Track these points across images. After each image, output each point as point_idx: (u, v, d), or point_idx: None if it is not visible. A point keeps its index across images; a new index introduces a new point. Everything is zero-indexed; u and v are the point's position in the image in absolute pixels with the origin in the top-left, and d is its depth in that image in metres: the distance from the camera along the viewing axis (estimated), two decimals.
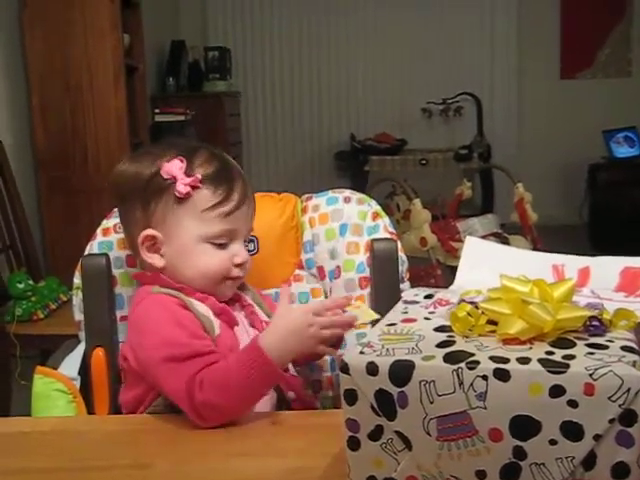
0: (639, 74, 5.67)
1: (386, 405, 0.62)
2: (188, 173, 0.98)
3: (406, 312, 0.77)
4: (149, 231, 1.01)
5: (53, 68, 3.21)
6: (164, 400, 0.96)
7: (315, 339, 0.94)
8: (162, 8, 5.06)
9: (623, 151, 5.13)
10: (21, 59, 3.24)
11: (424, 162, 5.15)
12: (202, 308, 0.99)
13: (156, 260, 1.02)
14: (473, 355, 0.61)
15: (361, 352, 0.64)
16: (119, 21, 3.29)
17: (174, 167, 0.98)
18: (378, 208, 1.23)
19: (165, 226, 1.00)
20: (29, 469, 0.84)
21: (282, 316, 0.96)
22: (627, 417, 0.57)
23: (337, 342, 1.02)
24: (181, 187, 0.98)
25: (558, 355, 0.61)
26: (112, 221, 1.14)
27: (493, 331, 0.66)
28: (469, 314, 0.67)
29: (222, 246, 1.01)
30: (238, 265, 1.02)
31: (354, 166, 5.32)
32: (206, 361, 0.91)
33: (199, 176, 0.98)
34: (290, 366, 1.06)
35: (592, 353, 0.61)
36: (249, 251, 1.18)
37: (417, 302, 0.80)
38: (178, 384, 0.90)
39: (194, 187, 0.98)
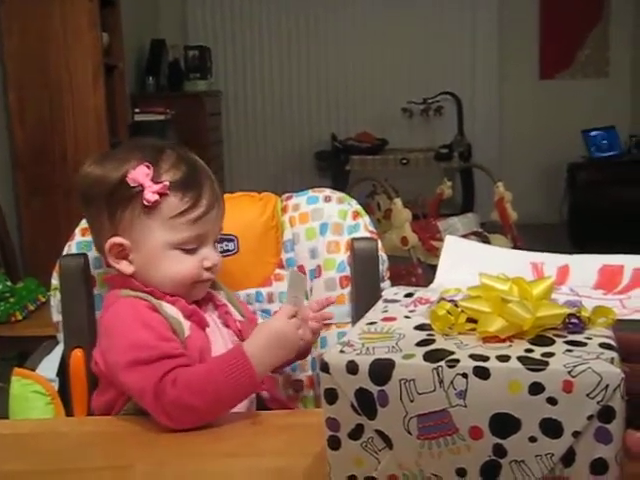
0: (617, 74, 5.73)
1: (366, 404, 0.62)
2: (155, 180, 0.97)
3: (386, 311, 0.76)
4: (116, 239, 1.00)
5: (31, 66, 3.18)
6: (134, 405, 0.94)
7: (302, 340, 0.95)
8: (142, 7, 5.03)
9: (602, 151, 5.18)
10: None
11: (405, 161, 5.16)
12: (172, 310, 0.98)
13: (124, 266, 1.01)
14: (453, 353, 0.62)
15: (341, 351, 0.64)
16: (98, 19, 3.27)
17: (140, 174, 0.96)
18: (358, 207, 1.23)
19: (133, 233, 0.99)
20: (7, 472, 0.82)
21: (266, 324, 0.96)
22: (605, 414, 0.57)
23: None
24: (149, 195, 0.96)
25: (537, 353, 0.61)
26: None
27: (473, 329, 0.66)
28: (449, 312, 0.68)
29: (191, 251, 1.00)
30: (208, 268, 1.01)
31: (335, 165, 5.33)
32: (177, 362, 0.90)
33: (167, 183, 0.97)
34: None
35: (571, 350, 0.61)
36: (228, 250, 1.18)
37: (397, 301, 0.80)
38: (145, 385, 0.89)
39: (162, 194, 0.97)
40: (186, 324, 0.99)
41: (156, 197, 0.96)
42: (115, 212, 0.99)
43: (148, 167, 0.97)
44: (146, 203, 0.96)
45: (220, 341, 1.02)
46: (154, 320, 0.95)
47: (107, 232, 1.00)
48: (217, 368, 0.90)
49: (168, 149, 1.02)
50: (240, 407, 0.96)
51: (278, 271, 1.21)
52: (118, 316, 0.97)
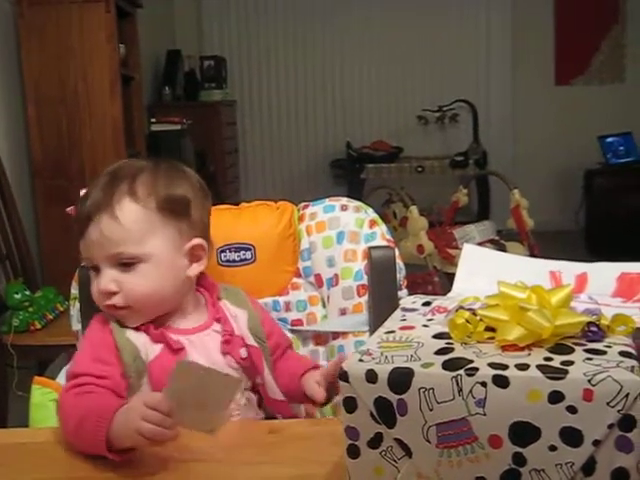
0: (633, 80, 5.70)
1: (385, 413, 0.62)
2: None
3: (404, 319, 0.77)
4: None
5: (49, 78, 3.21)
6: None
7: (137, 434, 0.80)
8: (158, 18, 5.07)
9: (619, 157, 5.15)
10: (17, 69, 3.24)
11: (420, 169, 5.16)
12: (136, 335, 0.98)
13: None
14: (472, 362, 0.61)
15: (360, 360, 0.64)
16: (115, 31, 3.30)
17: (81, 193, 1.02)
18: (375, 216, 1.23)
19: None
20: None
21: (128, 402, 0.87)
22: (626, 422, 0.57)
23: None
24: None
25: (557, 361, 0.61)
26: None
27: (491, 338, 0.66)
28: (467, 321, 0.68)
29: (95, 274, 0.99)
30: (106, 294, 0.97)
31: (350, 174, 5.33)
32: (93, 382, 0.91)
33: (72, 207, 1.02)
34: (276, 390, 1.04)
35: (590, 359, 0.61)
36: (245, 259, 1.18)
37: (415, 309, 0.80)
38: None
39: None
40: (154, 348, 0.97)
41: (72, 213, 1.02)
42: None
43: (80, 194, 1.02)
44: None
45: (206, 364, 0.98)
46: (100, 341, 0.97)
47: None
48: (92, 411, 0.85)
49: (113, 169, 1.02)
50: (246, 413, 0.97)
51: (295, 280, 1.22)
52: (86, 332, 1.02)
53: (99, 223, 0.96)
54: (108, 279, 0.97)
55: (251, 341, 1.04)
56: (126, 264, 0.97)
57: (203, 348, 1.00)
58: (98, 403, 0.88)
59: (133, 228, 0.97)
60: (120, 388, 0.94)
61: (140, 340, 0.98)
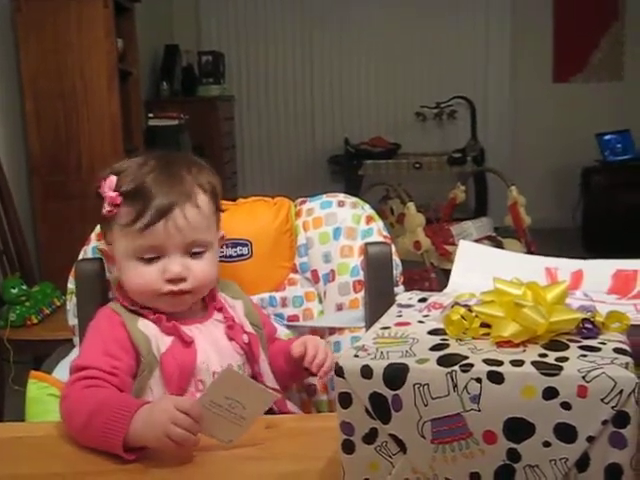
0: (631, 78, 5.70)
1: (380, 408, 0.63)
2: (117, 189, 0.99)
3: (400, 315, 0.77)
4: (100, 245, 1.08)
5: (47, 73, 3.21)
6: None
7: (166, 437, 0.82)
8: (156, 13, 5.06)
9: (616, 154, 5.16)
10: (15, 64, 3.24)
11: (418, 166, 5.16)
12: (147, 327, 0.99)
13: (115, 271, 1.06)
14: (467, 358, 0.62)
15: (355, 355, 0.65)
16: (113, 26, 3.29)
17: (106, 185, 1.00)
18: (372, 212, 1.23)
19: (109, 241, 1.05)
20: (22, 474, 0.83)
21: (160, 400, 0.89)
22: (620, 419, 0.57)
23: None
24: (105, 205, 0.99)
25: (551, 357, 0.61)
26: None
27: (487, 334, 0.66)
28: (463, 317, 0.68)
29: (151, 262, 0.99)
30: (171, 280, 0.99)
31: (348, 170, 5.33)
32: (101, 376, 0.91)
33: (113, 194, 0.98)
34: (273, 381, 1.06)
35: (585, 355, 0.61)
36: (242, 255, 1.18)
37: (411, 306, 0.81)
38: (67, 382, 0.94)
39: (116, 205, 0.99)
40: (165, 340, 0.98)
41: (110, 208, 0.99)
42: (99, 221, 1.06)
43: (112, 180, 0.99)
44: (104, 212, 1.00)
45: (214, 357, 1.00)
46: (110, 335, 0.97)
47: (103, 240, 1.08)
48: (107, 406, 0.85)
49: (153, 159, 1.03)
50: None
51: (292, 276, 1.22)
52: (92, 323, 1.02)
53: (184, 211, 0.99)
54: (180, 265, 0.99)
55: (249, 328, 1.06)
56: (195, 252, 1.01)
57: (211, 336, 1.02)
58: (113, 398, 0.88)
59: (208, 217, 1.03)
60: (126, 386, 0.94)
61: (151, 332, 0.99)
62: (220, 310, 1.06)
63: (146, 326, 0.99)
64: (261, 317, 1.12)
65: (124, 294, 1.04)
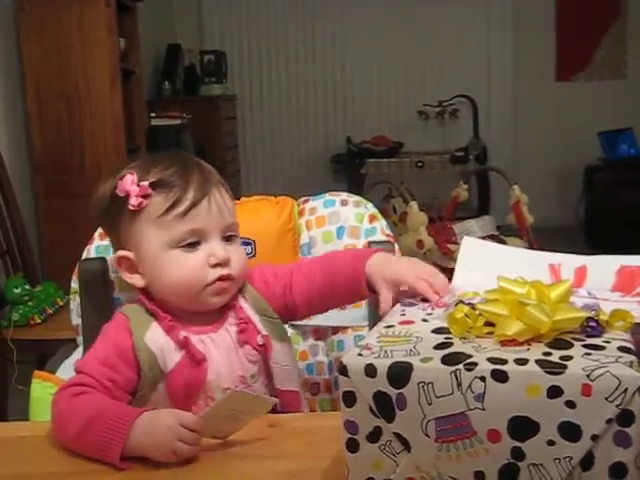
0: (634, 76, 5.69)
1: (385, 407, 0.63)
2: (139, 184, 0.95)
3: (404, 314, 0.77)
4: (120, 252, 0.99)
5: (49, 73, 3.21)
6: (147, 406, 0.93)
7: (172, 452, 0.81)
8: (158, 12, 5.06)
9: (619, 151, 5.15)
10: (17, 63, 3.24)
11: (420, 164, 5.15)
12: (157, 338, 0.94)
13: (137, 280, 0.99)
14: (471, 356, 0.62)
15: (359, 354, 0.65)
16: (115, 25, 3.29)
17: (126, 182, 0.95)
18: (375, 210, 1.23)
19: (132, 243, 0.97)
20: (26, 474, 0.83)
21: (163, 412, 0.85)
22: (624, 417, 0.57)
23: None
24: (133, 200, 0.94)
25: (555, 356, 0.61)
26: None
27: (491, 332, 0.66)
28: (467, 316, 0.68)
29: (192, 248, 0.95)
30: (216, 265, 0.95)
31: (351, 169, 5.33)
32: (92, 384, 0.89)
33: (146, 184, 0.94)
34: (286, 379, 1.01)
35: (589, 354, 0.61)
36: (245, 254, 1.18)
37: (415, 304, 0.81)
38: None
39: (146, 196, 0.94)
40: (173, 356, 0.94)
41: (140, 200, 0.94)
42: (114, 225, 0.99)
43: (132, 174, 0.96)
44: (132, 208, 0.94)
45: (226, 372, 0.96)
46: (114, 343, 0.94)
47: (116, 247, 1.01)
48: (102, 415, 0.84)
49: (166, 158, 1.00)
50: None
51: None
52: (103, 327, 0.98)
53: (221, 193, 0.98)
54: (223, 248, 0.96)
55: (262, 329, 1.00)
56: (229, 237, 0.98)
57: (224, 347, 0.97)
58: (109, 408, 0.86)
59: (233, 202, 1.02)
60: (118, 400, 0.91)
61: (158, 345, 0.94)
62: (232, 308, 1.00)
63: (155, 337, 0.94)
64: (269, 300, 1.02)
65: (146, 299, 0.98)
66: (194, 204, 0.94)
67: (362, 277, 0.94)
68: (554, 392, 0.58)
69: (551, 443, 0.59)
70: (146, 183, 0.94)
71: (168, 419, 0.82)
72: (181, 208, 0.94)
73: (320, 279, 1.00)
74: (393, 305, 0.86)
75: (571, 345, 0.63)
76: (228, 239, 0.98)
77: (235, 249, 0.98)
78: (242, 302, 1.00)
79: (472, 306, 0.69)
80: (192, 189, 0.95)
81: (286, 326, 1.18)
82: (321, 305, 1.04)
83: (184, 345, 0.94)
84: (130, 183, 0.95)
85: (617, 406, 0.57)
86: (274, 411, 0.94)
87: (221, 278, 0.95)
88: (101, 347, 0.95)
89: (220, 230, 0.97)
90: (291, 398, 1.01)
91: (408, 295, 0.83)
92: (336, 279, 0.98)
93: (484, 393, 0.59)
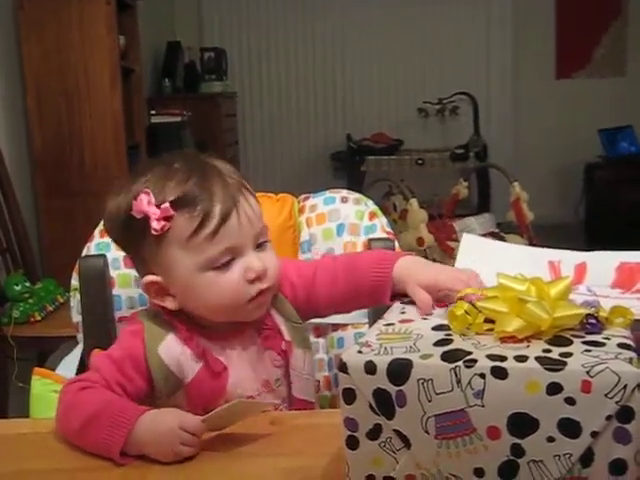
0: (634, 73, 5.69)
1: (384, 404, 0.63)
2: (159, 204, 0.87)
3: (404, 312, 0.77)
4: (148, 278, 0.92)
5: (49, 70, 3.21)
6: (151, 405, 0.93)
7: (175, 455, 0.81)
8: (158, 9, 5.06)
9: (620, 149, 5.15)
10: (17, 61, 3.24)
11: (420, 162, 5.15)
12: (173, 350, 0.91)
13: (169, 304, 0.92)
14: (471, 353, 0.62)
15: (359, 351, 0.65)
16: (115, 23, 3.29)
17: (143, 204, 0.87)
18: (375, 208, 1.23)
19: (161, 267, 0.90)
20: (27, 470, 0.83)
21: (166, 413, 0.84)
22: (624, 414, 0.57)
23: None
24: (154, 224, 0.86)
25: (555, 353, 0.61)
26: None
27: (490, 329, 0.66)
28: (467, 312, 0.68)
29: (227, 267, 0.89)
30: (255, 279, 0.90)
31: (350, 166, 5.33)
32: (98, 381, 0.88)
33: (167, 205, 0.86)
34: (303, 388, 0.99)
35: (589, 350, 0.61)
36: None
37: (415, 302, 0.81)
38: None
39: (168, 218, 0.86)
40: (192, 367, 0.91)
41: (162, 223, 0.86)
42: (138, 249, 0.92)
43: (148, 194, 0.87)
44: (154, 232, 0.87)
45: (249, 380, 0.93)
46: (127, 350, 0.91)
47: (140, 271, 0.95)
48: (105, 411, 0.83)
49: (177, 163, 0.91)
50: None
51: None
52: (121, 329, 0.97)
53: (248, 201, 0.90)
54: (258, 259, 0.90)
55: (287, 335, 0.97)
56: (262, 243, 0.92)
57: (247, 355, 0.94)
58: (112, 404, 0.85)
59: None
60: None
61: (175, 356, 0.91)
62: (260, 320, 0.95)
63: (170, 349, 0.91)
64: (293, 300, 0.98)
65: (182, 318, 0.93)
66: (223, 220, 0.87)
67: (389, 282, 0.90)
68: (554, 389, 0.58)
69: (551, 440, 0.59)
70: (167, 204, 0.86)
71: (170, 421, 0.82)
72: (210, 227, 0.87)
73: (343, 283, 0.96)
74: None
75: (571, 342, 0.63)
76: (260, 246, 0.92)
77: (269, 256, 0.93)
78: (271, 308, 0.97)
79: (472, 303, 0.69)
80: (218, 202, 0.87)
81: None
82: (344, 307, 1.01)
83: (202, 356, 0.91)
84: (147, 204, 0.86)
85: (617, 402, 0.57)
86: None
87: (261, 292, 0.91)
88: (117, 351, 0.92)
89: (253, 240, 0.91)
90: (304, 408, 0.99)
91: (449, 301, 0.78)
92: (360, 284, 0.94)
93: (484, 390, 0.59)
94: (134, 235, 0.90)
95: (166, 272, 0.90)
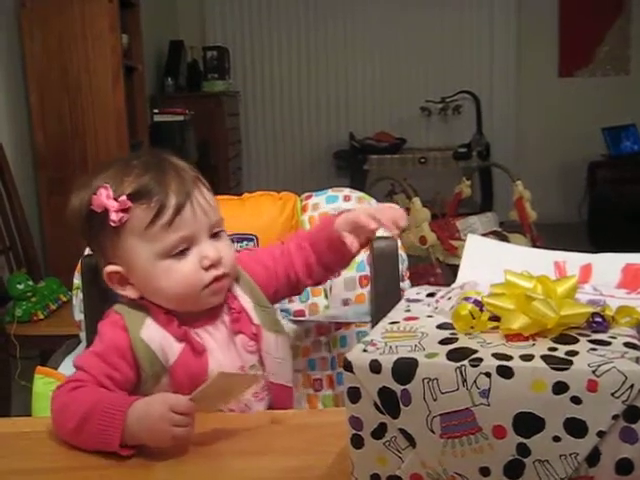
0: (638, 71, 5.68)
1: (390, 403, 0.62)
2: (117, 197, 0.92)
3: (409, 310, 0.76)
4: (109, 268, 0.96)
5: (52, 68, 3.21)
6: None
7: (171, 439, 0.83)
8: (160, 8, 5.05)
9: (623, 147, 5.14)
10: (20, 59, 3.24)
11: (423, 161, 5.15)
12: (154, 333, 0.94)
13: (130, 292, 0.97)
14: (476, 352, 0.61)
15: (364, 350, 0.64)
16: (118, 21, 3.29)
17: (102, 197, 0.92)
18: None
19: (121, 257, 0.95)
20: (29, 469, 0.83)
21: (155, 399, 0.86)
22: (631, 413, 0.57)
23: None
24: (113, 215, 0.91)
25: (561, 351, 0.60)
26: None
27: (495, 327, 0.66)
28: (471, 312, 0.67)
29: (183, 255, 0.93)
30: (211, 267, 0.94)
31: (353, 165, 5.32)
32: (88, 379, 0.89)
33: (124, 197, 0.91)
34: (279, 372, 1.00)
35: (595, 349, 0.61)
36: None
37: (420, 300, 0.80)
38: None
39: (126, 210, 0.91)
40: (174, 349, 0.93)
41: (120, 215, 0.91)
42: (98, 241, 0.97)
43: (107, 188, 0.92)
44: (113, 224, 0.92)
45: (227, 362, 0.95)
46: (110, 342, 0.93)
47: (103, 262, 0.98)
48: (97, 407, 0.85)
49: (135, 160, 0.96)
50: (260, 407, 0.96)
51: None
52: (99, 328, 0.97)
53: (202, 194, 0.96)
54: (213, 248, 0.94)
55: (256, 319, 0.99)
56: (217, 233, 0.97)
57: (222, 339, 0.97)
58: (103, 399, 0.86)
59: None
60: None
61: (156, 340, 0.93)
62: (226, 299, 0.99)
63: (151, 332, 0.94)
64: (269, 283, 1.03)
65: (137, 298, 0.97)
66: (178, 210, 0.92)
67: (335, 235, 0.99)
68: (560, 388, 0.58)
69: (557, 439, 0.58)
70: (124, 197, 0.91)
71: (159, 407, 0.83)
72: (166, 217, 0.92)
73: (310, 250, 1.03)
74: (361, 248, 0.99)
75: (577, 340, 0.63)
76: (215, 236, 0.96)
77: (224, 245, 0.97)
78: (237, 290, 1.00)
79: (476, 303, 0.68)
80: (173, 194, 0.92)
81: (288, 322, 1.18)
82: (319, 274, 1.05)
83: (184, 337, 0.94)
84: (106, 197, 0.92)
85: (623, 402, 0.57)
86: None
87: (216, 278, 0.95)
88: (98, 345, 0.94)
89: (207, 230, 0.95)
90: (282, 393, 1.01)
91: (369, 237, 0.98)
92: (318, 243, 1.02)
93: (489, 389, 0.59)
94: (95, 228, 0.95)
95: (126, 262, 0.95)
